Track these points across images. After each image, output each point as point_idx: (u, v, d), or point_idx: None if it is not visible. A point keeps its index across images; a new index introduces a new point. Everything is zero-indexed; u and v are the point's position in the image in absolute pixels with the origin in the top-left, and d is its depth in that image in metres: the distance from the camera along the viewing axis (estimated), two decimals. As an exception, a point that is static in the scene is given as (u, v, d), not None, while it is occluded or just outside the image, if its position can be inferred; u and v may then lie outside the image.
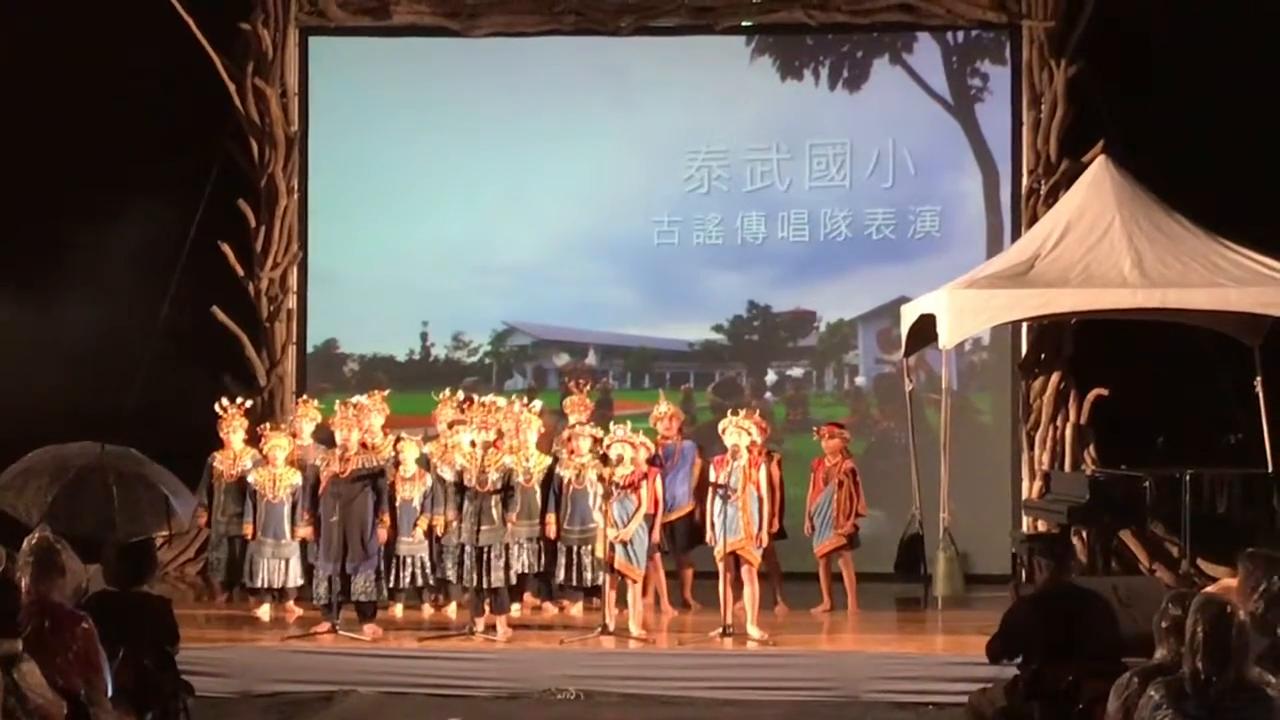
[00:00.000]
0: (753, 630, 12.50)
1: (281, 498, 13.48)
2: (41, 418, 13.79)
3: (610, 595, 12.62)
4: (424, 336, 17.48)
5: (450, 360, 17.44)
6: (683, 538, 14.00)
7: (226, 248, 16.65)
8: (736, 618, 12.59)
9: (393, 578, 13.32)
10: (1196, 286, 13.73)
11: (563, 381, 16.65)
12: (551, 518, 13.18)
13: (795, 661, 11.98)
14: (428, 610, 13.78)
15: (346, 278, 17.32)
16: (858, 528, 14.10)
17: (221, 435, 13.89)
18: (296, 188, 17.14)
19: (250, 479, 13.59)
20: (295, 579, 13.55)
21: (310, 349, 17.41)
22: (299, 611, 13.55)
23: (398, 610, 13.62)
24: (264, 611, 13.53)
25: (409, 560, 13.39)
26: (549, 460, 13.33)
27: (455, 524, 12.81)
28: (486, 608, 12.60)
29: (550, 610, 13.94)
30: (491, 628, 12.54)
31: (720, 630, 12.48)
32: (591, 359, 17.41)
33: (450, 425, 13.37)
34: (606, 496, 12.54)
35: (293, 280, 17.15)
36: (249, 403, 14.35)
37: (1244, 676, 5.84)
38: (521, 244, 17.19)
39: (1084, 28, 16.30)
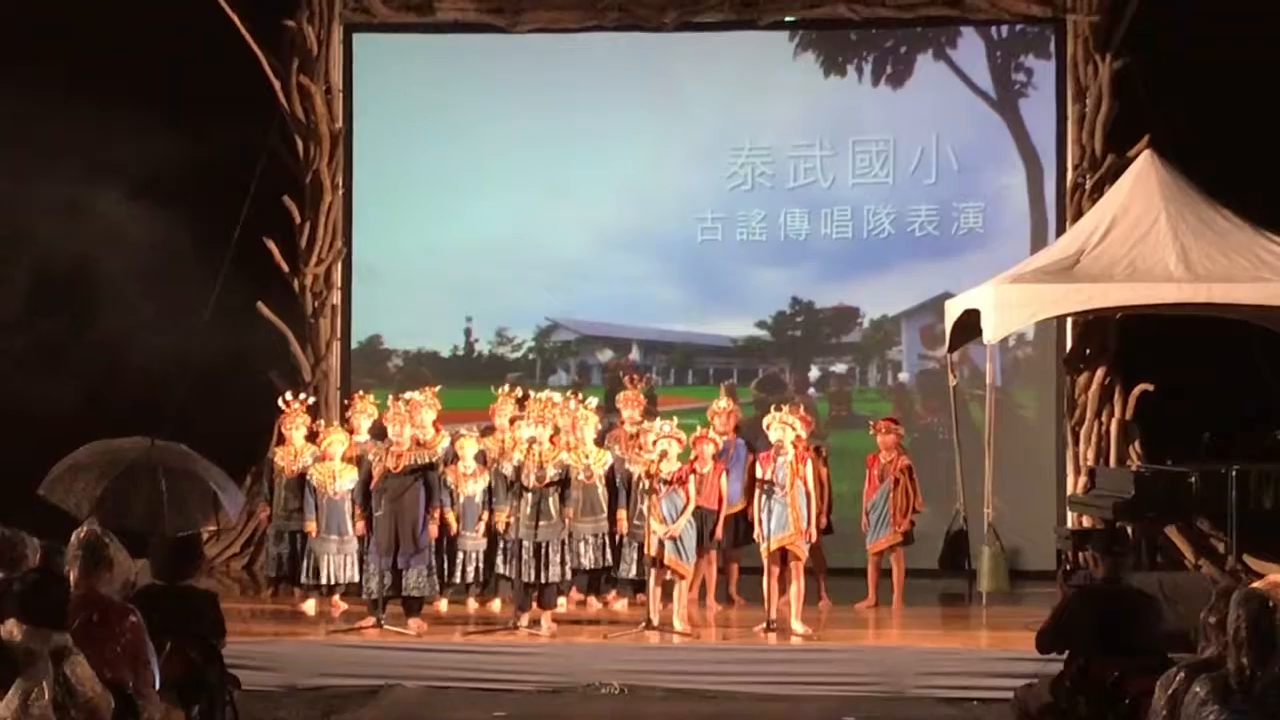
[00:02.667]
0: (797, 625, 12.51)
1: (341, 494, 13.46)
2: (89, 414, 13.87)
3: (655, 590, 12.62)
4: (468, 332, 17.53)
5: (494, 356, 17.47)
6: (733, 535, 13.98)
7: (271, 244, 16.72)
8: (781, 613, 12.60)
9: (458, 573, 13.39)
10: (1242, 281, 13.67)
11: (606, 377, 16.69)
12: (622, 513, 13.27)
13: (840, 656, 11.98)
14: (473, 605, 13.80)
15: (391, 273, 17.38)
16: (914, 524, 14.10)
17: (284, 431, 13.93)
18: (341, 184, 17.22)
19: (309, 475, 13.62)
20: (357, 575, 13.52)
21: (355, 344, 17.47)
22: (344, 606, 13.59)
23: (443, 605, 13.64)
24: (309, 606, 13.57)
25: (474, 555, 13.44)
26: (609, 456, 13.37)
27: (515, 520, 12.80)
28: (534, 602, 12.62)
29: (595, 605, 13.97)
30: (536, 622, 12.55)
31: (765, 625, 12.48)
32: (635, 355, 17.42)
33: (511, 421, 13.39)
34: (652, 492, 12.52)
35: (337, 276, 17.23)
36: (311, 399, 14.38)
37: None
38: (565, 240, 17.22)
39: (1129, 21, 16.26)
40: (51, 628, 6.45)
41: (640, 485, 13.07)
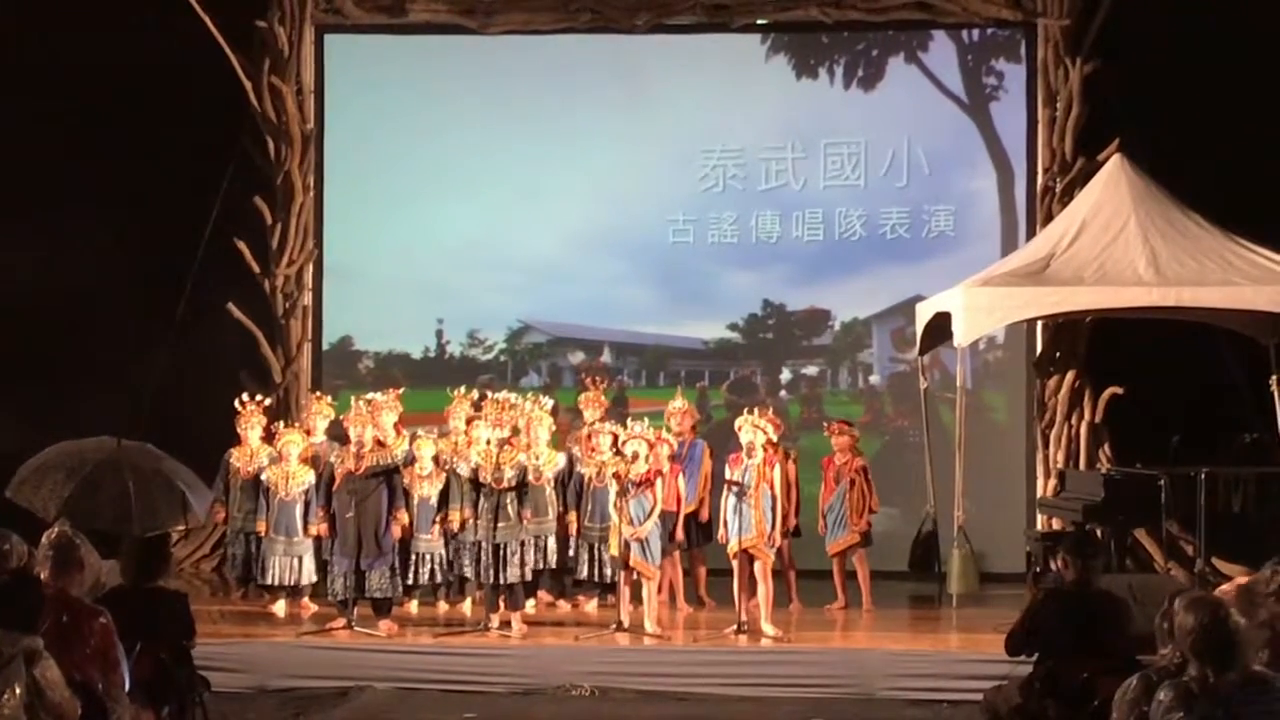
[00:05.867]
0: (767, 627, 12.53)
1: (294, 495, 13.48)
2: (57, 415, 13.83)
3: (625, 592, 12.63)
4: (439, 334, 17.50)
5: (465, 358, 17.45)
6: (691, 535, 13.98)
7: (242, 245, 16.68)
8: (751, 615, 12.60)
9: (411, 575, 13.36)
10: (1212, 285, 13.72)
11: (578, 379, 16.69)
12: (573, 515, 13.25)
13: (810, 658, 12.00)
14: (443, 606, 13.79)
15: (362, 275, 17.36)
16: (871, 524, 14.10)
17: (239, 431, 13.91)
18: (312, 185, 17.18)
19: (264, 476, 13.61)
20: (309, 576, 13.56)
21: (326, 346, 17.43)
22: (314, 608, 13.58)
23: (413, 606, 13.64)
24: (279, 607, 13.55)
25: (428, 557, 13.42)
26: (560, 457, 13.36)
27: (472, 521, 12.82)
28: (502, 604, 12.62)
29: (565, 607, 13.97)
30: (506, 624, 12.56)
31: (735, 627, 12.49)
32: (607, 357, 17.43)
33: (469, 422, 13.38)
34: (621, 494, 12.54)
35: (308, 277, 17.18)
36: (268, 400, 14.37)
37: (1249, 671, 5.82)
38: (537, 242, 17.21)
39: (1100, 26, 16.30)
40: (23, 631, 6.43)
41: (590, 486, 13.11)
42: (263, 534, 13.55)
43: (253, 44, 17.00)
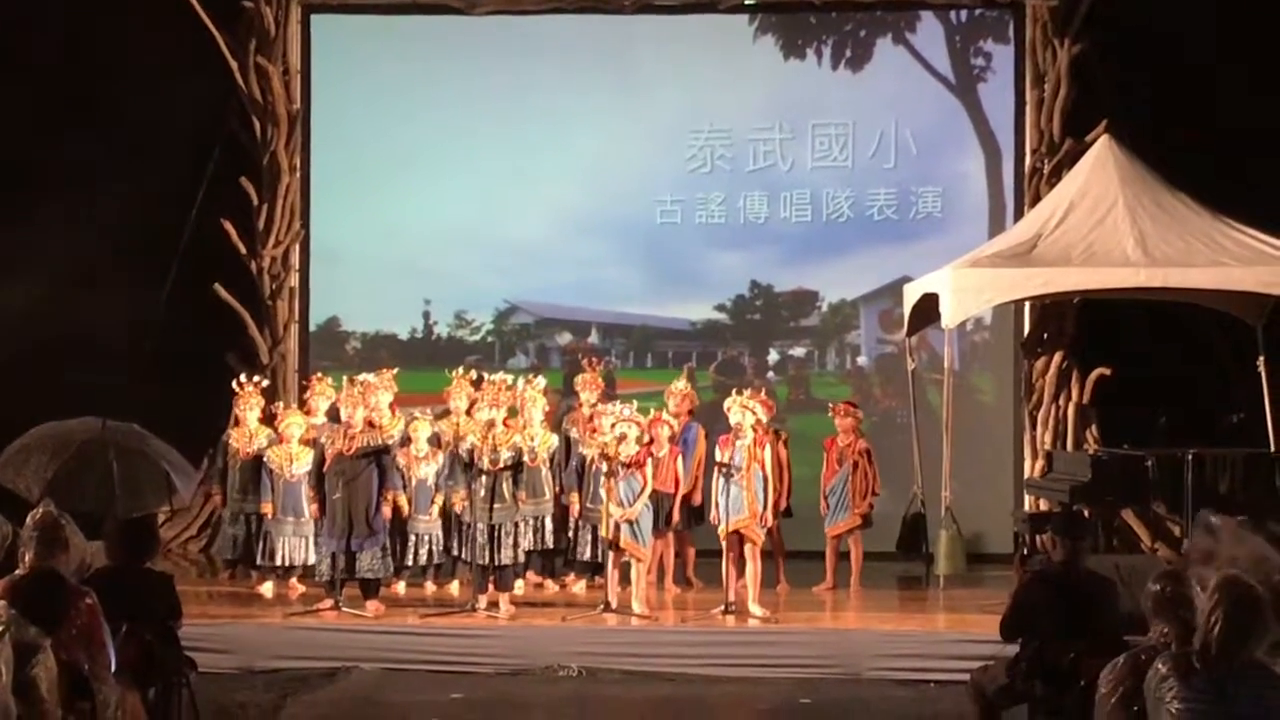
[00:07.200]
0: (755, 608, 12.52)
1: (298, 476, 13.44)
2: (43, 395, 13.79)
3: (613, 573, 12.62)
4: (426, 315, 17.47)
5: (453, 339, 17.43)
6: (683, 517, 13.96)
7: (229, 226, 16.63)
8: (739, 595, 12.60)
9: (410, 556, 13.40)
10: (1199, 266, 13.72)
11: (565, 360, 16.67)
12: (574, 496, 13.21)
13: (797, 639, 12.00)
14: (431, 587, 13.78)
15: (349, 256, 17.32)
16: (873, 507, 14.11)
17: (237, 413, 13.87)
18: (299, 166, 17.13)
19: (266, 457, 13.57)
20: (313, 557, 13.52)
21: (313, 327, 17.39)
22: (302, 588, 13.54)
23: (400, 587, 13.63)
24: (267, 588, 13.53)
25: (426, 538, 13.44)
26: (554, 438, 13.35)
27: (469, 502, 12.79)
28: (490, 585, 12.61)
29: (553, 587, 13.96)
30: (494, 604, 12.54)
31: (723, 608, 12.50)
32: (594, 338, 17.40)
33: (472, 404, 13.36)
34: (610, 475, 12.51)
35: (295, 258, 17.14)
36: (266, 381, 14.33)
37: (1255, 659, 5.79)
38: (524, 223, 17.17)
39: (1087, 6, 16.28)
40: (41, 627, 6.46)
41: (593, 468, 13.09)
42: (269, 516, 13.49)
43: (239, 24, 16.94)
